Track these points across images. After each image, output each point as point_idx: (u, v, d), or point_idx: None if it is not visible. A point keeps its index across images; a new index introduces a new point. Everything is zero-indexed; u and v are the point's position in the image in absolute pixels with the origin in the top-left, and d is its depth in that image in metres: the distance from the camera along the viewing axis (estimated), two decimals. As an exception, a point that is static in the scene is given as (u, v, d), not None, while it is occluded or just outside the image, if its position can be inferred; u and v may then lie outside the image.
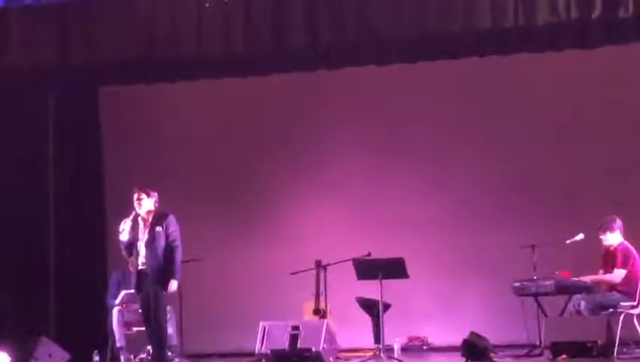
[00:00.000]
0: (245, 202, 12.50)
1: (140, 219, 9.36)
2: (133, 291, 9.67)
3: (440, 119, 12.21)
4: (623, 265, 9.92)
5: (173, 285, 9.32)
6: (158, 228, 9.31)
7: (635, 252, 10.00)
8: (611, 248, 10.09)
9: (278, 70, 11.33)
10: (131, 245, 9.34)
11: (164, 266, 9.27)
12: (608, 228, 10.08)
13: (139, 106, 12.77)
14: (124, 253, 9.41)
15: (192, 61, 10.91)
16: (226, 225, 12.44)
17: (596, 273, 10.18)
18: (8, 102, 11.48)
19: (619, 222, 10.10)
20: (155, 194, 9.44)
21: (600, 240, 10.14)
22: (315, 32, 10.26)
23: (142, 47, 10.60)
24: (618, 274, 9.93)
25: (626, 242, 10.07)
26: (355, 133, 12.38)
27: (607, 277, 10.03)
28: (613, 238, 10.09)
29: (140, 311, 9.62)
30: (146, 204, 9.37)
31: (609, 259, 10.09)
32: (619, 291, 9.91)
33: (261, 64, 11.10)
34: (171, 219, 9.40)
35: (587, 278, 10.10)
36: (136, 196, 9.37)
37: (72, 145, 12.50)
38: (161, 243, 9.29)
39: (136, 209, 9.36)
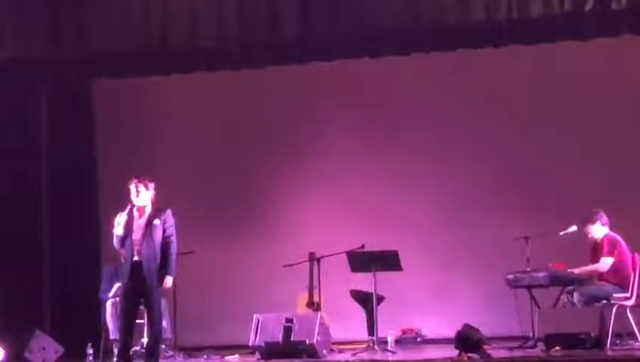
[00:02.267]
0: (239, 195, 12.52)
1: (135, 210, 9.30)
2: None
3: (434, 111, 12.23)
4: (609, 253, 9.94)
5: (169, 281, 9.27)
6: (156, 222, 9.22)
7: (622, 242, 10.01)
8: (598, 240, 10.12)
9: (272, 62, 11.32)
10: (125, 237, 9.27)
11: (159, 260, 9.22)
12: (589, 220, 10.11)
13: (132, 99, 12.75)
14: (116, 245, 9.29)
15: (185, 53, 10.89)
16: (220, 217, 12.46)
17: (585, 266, 10.21)
18: (1, 95, 11.47)
19: (601, 215, 10.11)
20: (153, 185, 9.35)
21: (585, 234, 10.17)
22: (308, 24, 10.25)
23: (135, 40, 10.58)
24: (605, 262, 9.95)
25: (612, 233, 10.10)
26: (350, 125, 12.38)
27: (595, 266, 10.03)
28: (596, 230, 10.11)
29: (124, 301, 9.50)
30: (143, 196, 9.28)
31: (596, 250, 10.11)
32: (608, 280, 9.93)
33: (255, 56, 11.08)
34: (169, 214, 9.32)
35: (576, 270, 10.11)
36: (134, 186, 9.26)
37: (65, 138, 12.46)
38: (158, 237, 9.21)
39: (133, 199, 9.26)
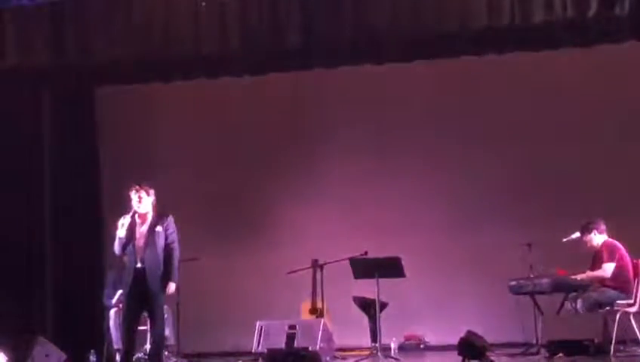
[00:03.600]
0: (242, 201, 12.53)
1: (137, 217, 9.31)
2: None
3: (436, 118, 12.24)
4: (610, 259, 9.93)
5: (172, 287, 9.28)
6: (158, 228, 9.24)
7: (621, 247, 10.01)
8: (597, 248, 10.11)
9: (274, 69, 11.31)
10: (127, 243, 9.28)
11: (162, 267, 9.23)
12: (586, 229, 10.12)
13: (135, 106, 12.78)
14: (117, 249, 9.27)
15: (188, 60, 10.88)
16: (223, 224, 12.46)
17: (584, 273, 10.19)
18: (3, 102, 11.47)
19: (598, 223, 10.13)
20: (153, 191, 9.39)
21: (584, 243, 10.17)
22: (311, 31, 10.24)
23: (138, 47, 10.56)
24: (608, 269, 9.95)
25: (610, 239, 10.09)
26: (352, 132, 12.38)
27: (598, 273, 10.03)
28: (593, 239, 10.12)
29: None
30: (145, 202, 9.30)
31: (596, 258, 10.11)
32: (609, 286, 9.91)
33: (257, 63, 11.07)
34: (171, 220, 9.34)
35: (579, 276, 10.10)
36: (135, 193, 9.29)
37: (68, 145, 12.47)
38: (161, 243, 9.23)
39: (135, 206, 9.29)
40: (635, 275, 9.94)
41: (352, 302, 11.13)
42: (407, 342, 11.80)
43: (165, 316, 9.87)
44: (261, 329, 10.09)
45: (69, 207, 12.34)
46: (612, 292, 9.88)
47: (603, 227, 10.12)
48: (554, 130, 11.89)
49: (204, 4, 10.33)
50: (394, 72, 11.65)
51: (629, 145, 11.63)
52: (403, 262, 10.26)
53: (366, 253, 10.71)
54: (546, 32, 10.31)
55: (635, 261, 10.01)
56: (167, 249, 9.24)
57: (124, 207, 9.35)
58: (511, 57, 11.17)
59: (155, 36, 10.49)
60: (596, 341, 9.53)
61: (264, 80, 11.65)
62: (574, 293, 10.00)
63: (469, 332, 9.57)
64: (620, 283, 9.90)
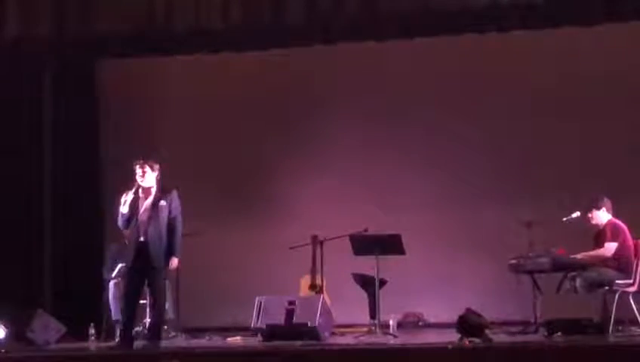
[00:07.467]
0: (243, 176, 12.52)
1: (140, 191, 9.32)
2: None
3: (437, 95, 12.21)
4: (613, 239, 9.90)
5: (175, 262, 9.34)
6: (162, 203, 9.29)
7: (624, 227, 9.99)
8: (600, 226, 10.10)
9: (276, 45, 11.29)
10: (130, 217, 9.31)
11: (165, 241, 9.26)
12: (594, 206, 10.09)
13: (136, 80, 12.75)
14: (120, 225, 9.36)
15: (189, 34, 10.85)
16: (224, 199, 12.47)
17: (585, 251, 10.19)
18: (5, 75, 11.45)
19: (605, 201, 10.09)
20: (158, 166, 9.40)
21: (587, 219, 10.16)
22: (313, 6, 10.21)
23: (140, 20, 10.54)
24: (609, 248, 9.91)
25: (615, 219, 10.08)
26: (353, 109, 12.37)
27: (600, 251, 9.97)
28: (600, 216, 10.09)
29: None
30: (149, 177, 9.32)
31: (599, 237, 10.08)
32: (611, 266, 9.91)
33: (259, 38, 11.05)
34: (175, 195, 9.39)
35: (580, 255, 10.09)
36: (139, 167, 9.32)
37: (69, 118, 12.46)
38: (164, 218, 9.29)
39: (139, 180, 9.31)
40: (635, 256, 9.94)
41: (352, 279, 11.13)
42: (406, 320, 11.80)
43: (165, 290, 9.91)
44: (260, 305, 10.09)
45: (69, 180, 12.34)
46: (611, 272, 9.87)
47: (609, 205, 10.10)
48: (555, 108, 11.87)
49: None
50: (395, 48, 11.62)
51: (631, 123, 11.61)
52: (403, 240, 10.27)
53: (366, 229, 10.70)
54: (548, 10, 10.29)
55: (635, 241, 10.00)
56: (170, 223, 9.27)
57: (126, 180, 9.37)
58: (512, 35, 11.15)
59: (157, 9, 10.46)
60: (595, 320, 9.55)
61: (265, 55, 11.61)
62: (574, 272, 10.00)
63: (468, 310, 9.57)
64: (621, 263, 9.88)
